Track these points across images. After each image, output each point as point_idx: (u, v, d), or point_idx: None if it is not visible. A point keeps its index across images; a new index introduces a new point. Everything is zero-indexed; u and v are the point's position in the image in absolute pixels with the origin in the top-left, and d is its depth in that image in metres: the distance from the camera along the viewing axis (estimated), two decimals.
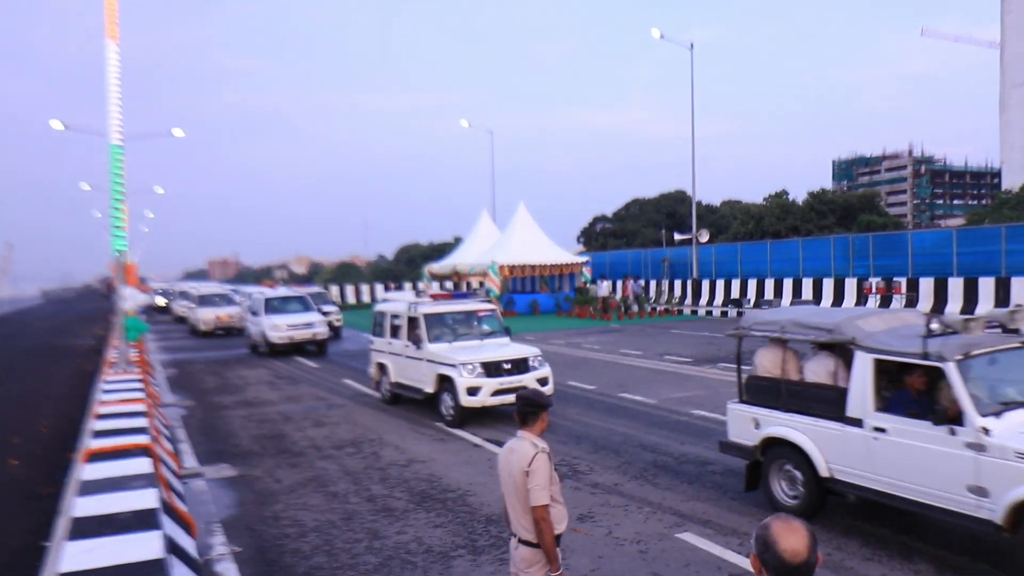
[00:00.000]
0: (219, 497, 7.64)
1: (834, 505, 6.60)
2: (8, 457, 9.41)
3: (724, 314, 28.44)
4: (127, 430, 7.20)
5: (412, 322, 11.45)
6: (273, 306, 20.70)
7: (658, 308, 30.55)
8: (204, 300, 28.30)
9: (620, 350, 18.45)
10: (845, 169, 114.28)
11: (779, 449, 6.32)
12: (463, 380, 10.19)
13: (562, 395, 12.20)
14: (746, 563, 5.41)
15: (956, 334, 5.43)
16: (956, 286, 22.04)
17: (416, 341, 11.22)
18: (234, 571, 5.68)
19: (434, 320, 11.32)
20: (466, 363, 10.33)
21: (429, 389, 10.97)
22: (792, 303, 26.23)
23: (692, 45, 31.15)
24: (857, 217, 39.20)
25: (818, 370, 6.31)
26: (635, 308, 29.27)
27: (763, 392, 6.58)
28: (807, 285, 26.82)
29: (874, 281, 24.52)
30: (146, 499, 4.93)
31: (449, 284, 36.34)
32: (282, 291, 24.62)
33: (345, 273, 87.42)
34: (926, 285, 22.88)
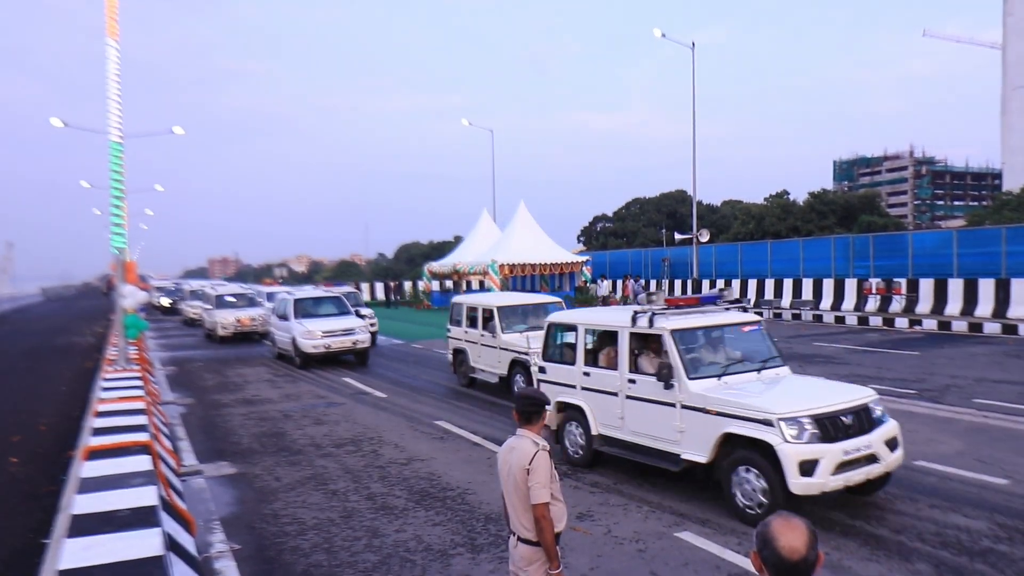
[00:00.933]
0: (218, 495, 7.64)
1: (834, 504, 6.60)
2: (8, 455, 9.41)
3: None
4: (126, 428, 7.21)
5: (643, 340, 7.55)
6: (304, 309, 17.88)
7: None
8: (222, 301, 24.57)
9: None
10: (846, 169, 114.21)
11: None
12: (791, 450, 5.98)
13: None
14: (744, 562, 5.41)
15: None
16: (956, 287, 22.03)
17: (665, 376, 6.93)
18: (233, 569, 5.68)
19: (686, 337, 7.27)
20: (791, 416, 6.13)
21: (701, 458, 6.73)
22: (792, 303, 26.28)
23: (693, 45, 31.14)
24: (858, 218, 39.22)
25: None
26: None
27: None
28: (807, 285, 26.83)
29: (874, 282, 24.52)
30: (145, 497, 4.93)
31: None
32: (313, 290, 22.16)
33: (345, 272, 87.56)
34: (926, 286, 22.88)
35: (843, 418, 6.29)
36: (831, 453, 6.02)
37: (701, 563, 5.50)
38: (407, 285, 46.17)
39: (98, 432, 7.08)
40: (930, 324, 20.88)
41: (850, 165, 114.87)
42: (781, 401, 6.36)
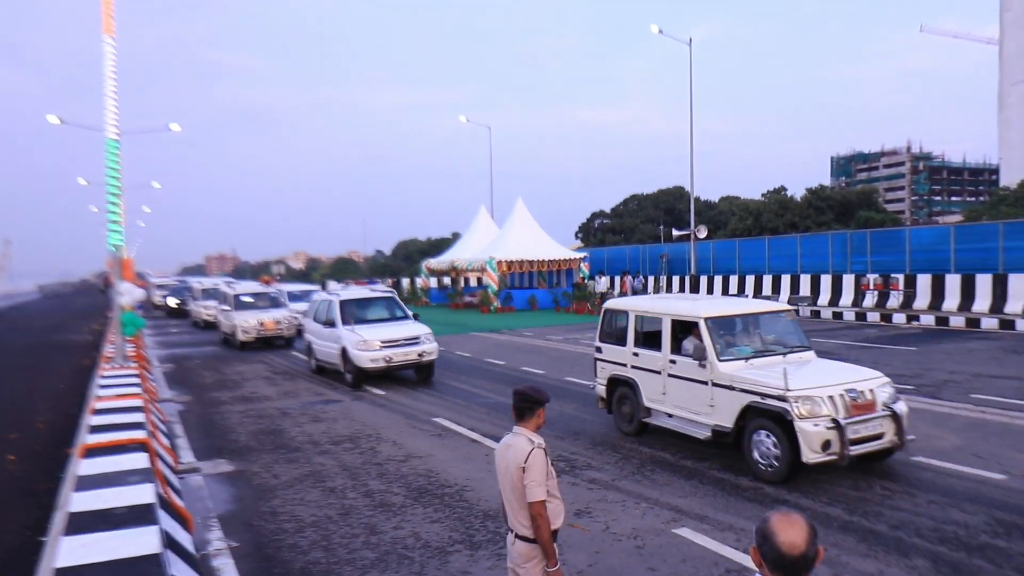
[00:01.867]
0: (216, 492, 7.63)
1: (832, 499, 6.61)
2: (5, 452, 9.40)
3: None
4: (124, 425, 7.20)
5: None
6: (353, 314, 14.62)
7: None
8: (241, 302, 21.45)
9: None
10: (844, 165, 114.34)
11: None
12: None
13: (559, 390, 12.20)
14: (742, 558, 5.42)
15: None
16: (953, 282, 22.05)
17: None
18: (231, 566, 5.68)
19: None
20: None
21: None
22: (790, 299, 26.29)
23: (691, 40, 31.13)
24: (855, 213, 39.29)
25: None
26: None
27: None
28: (805, 281, 26.85)
29: (871, 277, 24.55)
30: (143, 494, 4.92)
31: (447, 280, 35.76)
32: (358, 290, 19.01)
33: (343, 269, 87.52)
34: (923, 281, 22.91)
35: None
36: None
37: (699, 559, 5.50)
38: (405, 282, 46.14)
39: (95, 429, 7.07)
40: (927, 320, 20.91)
41: (847, 161, 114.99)
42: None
